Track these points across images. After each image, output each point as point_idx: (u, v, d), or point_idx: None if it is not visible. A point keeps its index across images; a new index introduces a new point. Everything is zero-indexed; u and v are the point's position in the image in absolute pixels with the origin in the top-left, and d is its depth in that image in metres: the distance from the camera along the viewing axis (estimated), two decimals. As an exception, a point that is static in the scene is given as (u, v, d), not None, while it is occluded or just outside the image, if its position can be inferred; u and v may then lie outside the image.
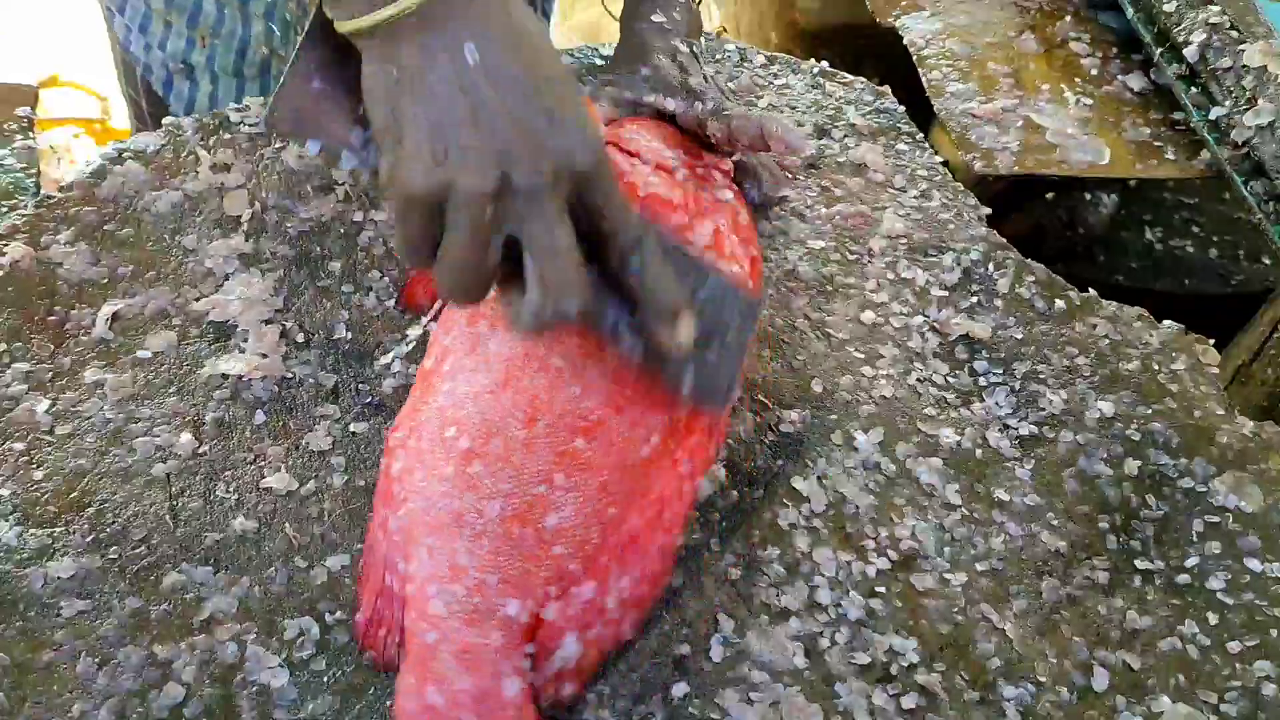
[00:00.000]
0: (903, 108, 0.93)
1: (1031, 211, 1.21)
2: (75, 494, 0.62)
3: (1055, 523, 0.67)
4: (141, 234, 0.75)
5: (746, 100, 0.91)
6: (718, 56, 0.94)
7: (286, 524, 0.62)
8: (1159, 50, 1.02)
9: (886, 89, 0.94)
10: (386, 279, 0.74)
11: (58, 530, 0.60)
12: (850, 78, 0.95)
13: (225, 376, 0.67)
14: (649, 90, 0.72)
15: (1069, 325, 0.78)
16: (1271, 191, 0.90)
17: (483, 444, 0.57)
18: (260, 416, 0.66)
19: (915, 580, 0.63)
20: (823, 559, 0.63)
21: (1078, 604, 0.63)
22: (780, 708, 0.57)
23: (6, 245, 0.72)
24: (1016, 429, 0.71)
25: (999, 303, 0.78)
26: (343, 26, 0.51)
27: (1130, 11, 1.06)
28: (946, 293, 0.78)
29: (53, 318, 0.69)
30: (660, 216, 0.63)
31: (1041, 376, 0.74)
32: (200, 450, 0.64)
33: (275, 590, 0.59)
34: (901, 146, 0.89)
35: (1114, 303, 0.80)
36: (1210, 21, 0.98)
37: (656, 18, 0.75)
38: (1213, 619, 0.63)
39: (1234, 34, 0.96)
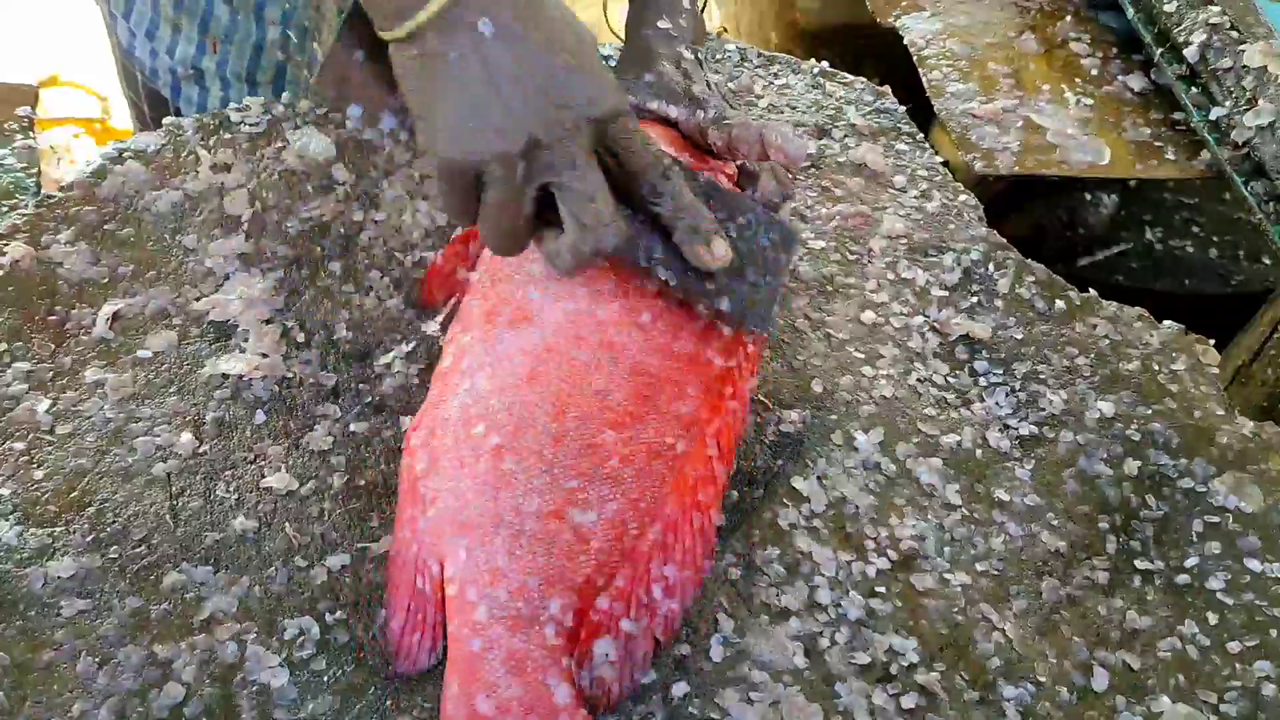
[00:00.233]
0: (903, 108, 0.93)
1: (1031, 211, 1.21)
2: (75, 493, 0.62)
3: (1055, 523, 0.67)
4: (142, 234, 0.75)
5: (746, 100, 0.91)
6: (718, 56, 0.94)
7: (286, 524, 0.62)
8: (1159, 50, 1.02)
9: (887, 89, 0.94)
10: (386, 279, 0.73)
11: (58, 530, 0.60)
12: (850, 78, 0.95)
13: (225, 376, 0.67)
14: (653, 97, 0.72)
15: (1069, 325, 0.78)
16: (1271, 191, 0.90)
17: (513, 439, 0.57)
18: (260, 416, 0.66)
19: (915, 580, 0.63)
20: (823, 559, 0.63)
21: (1078, 604, 0.63)
22: (780, 707, 0.57)
23: (7, 245, 0.72)
24: (1016, 429, 0.71)
25: (999, 303, 0.78)
26: (384, 36, 0.55)
27: (1130, 12, 1.06)
28: (947, 293, 0.78)
29: (53, 317, 0.69)
30: None
31: (1041, 377, 0.74)
32: (200, 450, 0.64)
33: (275, 590, 0.59)
34: (901, 146, 0.89)
35: (1114, 303, 0.80)
36: (1210, 22, 0.98)
37: (662, 24, 0.75)
38: (1213, 619, 0.63)
39: (1234, 34, 0.96)
